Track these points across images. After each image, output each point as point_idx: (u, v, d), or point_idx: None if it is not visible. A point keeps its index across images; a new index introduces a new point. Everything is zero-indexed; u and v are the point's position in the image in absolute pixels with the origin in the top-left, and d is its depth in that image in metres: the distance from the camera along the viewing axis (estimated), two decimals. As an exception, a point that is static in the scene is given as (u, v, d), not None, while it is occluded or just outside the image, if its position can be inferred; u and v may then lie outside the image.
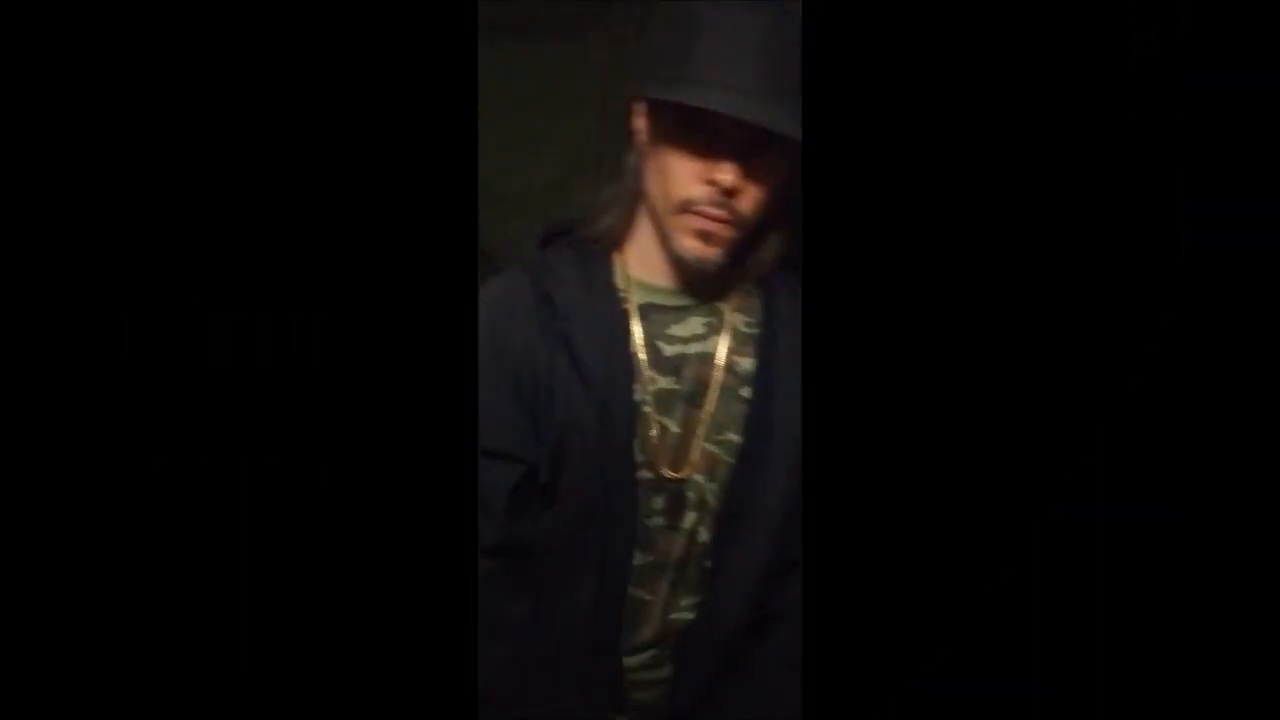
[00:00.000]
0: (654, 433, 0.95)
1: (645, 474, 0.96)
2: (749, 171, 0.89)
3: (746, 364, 0.99)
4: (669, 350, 0.98)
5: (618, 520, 0.95)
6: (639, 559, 0.97)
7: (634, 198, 0.97)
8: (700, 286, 0.99)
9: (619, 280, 0.99)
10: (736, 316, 1.00)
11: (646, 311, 0.98)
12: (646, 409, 0.95)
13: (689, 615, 1.00)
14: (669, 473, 0.96)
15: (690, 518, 0.98)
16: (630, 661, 1.01)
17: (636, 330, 0.97)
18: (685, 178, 0.89)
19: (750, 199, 0.91)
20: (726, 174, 0.87)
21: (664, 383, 0.97)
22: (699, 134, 0.88)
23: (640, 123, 0.95)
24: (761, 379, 0.98)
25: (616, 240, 1.00)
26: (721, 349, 0.98)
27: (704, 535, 0.99)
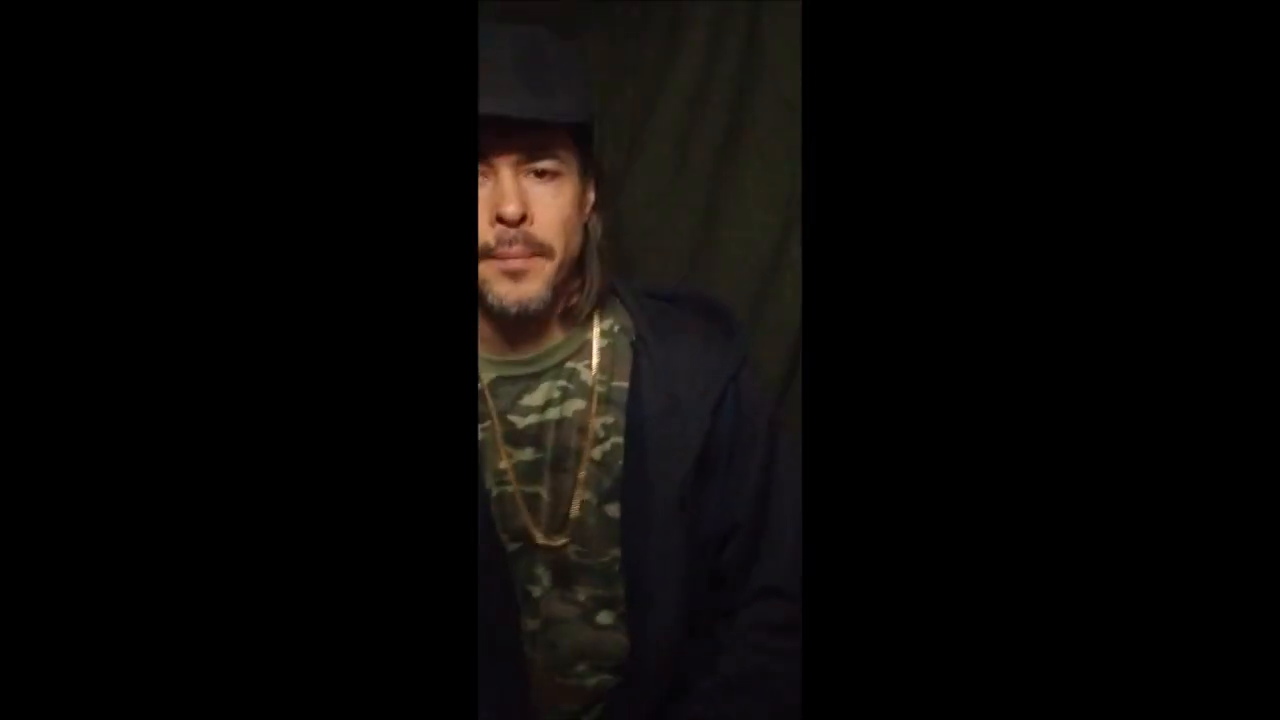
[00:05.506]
0: (519, 504, 0.96)
1: (514, 546, 0.97)
2: (531, 194, 0.88)
3: (607, 422, 0.96)
4: (523, 423, 0.96)
5: (494, 597, 0.93)
6: (529, 625, 0.98)
7: None
8: (542, 343, 0.97)
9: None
10: (590, 375, 0.97)
11: (496, 386, 0.96)
12: (507, 486, 0.96)
13: (597, 680, 0.99)
14: (545, 540, 0.97)
15: (582, 592, 0.98)
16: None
17: (489, 408, 0.95)
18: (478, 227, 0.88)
19: (545, 221, 0.89)
20: (508, 205, 0.86)
21: (524, 455, 0.97)
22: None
23: None
24: (631, 439, 0.95)
25: None
26: (577, 412, 0.96)
27: (606, 619, 0.98)
